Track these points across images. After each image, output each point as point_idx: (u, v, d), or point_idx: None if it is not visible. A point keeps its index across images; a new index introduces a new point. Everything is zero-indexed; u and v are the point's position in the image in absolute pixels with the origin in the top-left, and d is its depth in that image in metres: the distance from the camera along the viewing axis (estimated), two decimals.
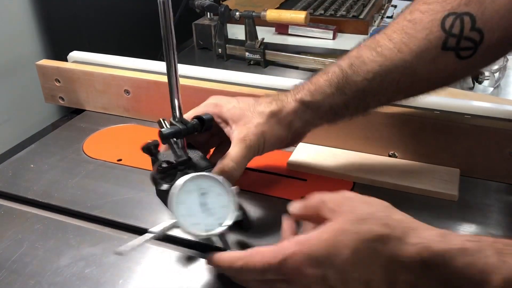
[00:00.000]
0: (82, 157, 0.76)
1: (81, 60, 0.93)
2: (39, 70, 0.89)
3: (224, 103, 0.61)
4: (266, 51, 1.10)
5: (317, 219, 0.46)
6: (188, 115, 0.59)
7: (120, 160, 0.74)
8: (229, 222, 0.50)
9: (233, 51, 1.14)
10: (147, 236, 0.49)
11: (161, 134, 0.55)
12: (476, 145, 0.66)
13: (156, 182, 0.53)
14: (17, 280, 0.53)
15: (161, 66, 0.88)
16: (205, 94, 0.78)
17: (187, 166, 0.54)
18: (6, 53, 0.97)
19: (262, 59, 1.10)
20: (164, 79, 0.81)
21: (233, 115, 0.59)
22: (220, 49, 1.15)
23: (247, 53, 1.11)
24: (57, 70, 0.88)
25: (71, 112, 0.90)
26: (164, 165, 0.53)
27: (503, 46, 0.54)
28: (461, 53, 0.53)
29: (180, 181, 0.50)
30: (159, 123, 0.57)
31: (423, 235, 0.41)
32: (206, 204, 0.50)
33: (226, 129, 0.60)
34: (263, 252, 0.45)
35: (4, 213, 0.64)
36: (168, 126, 0.56)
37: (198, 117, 0.57)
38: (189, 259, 0.56)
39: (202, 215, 0.49)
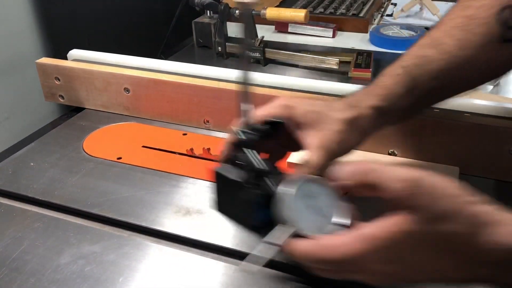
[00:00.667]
0: (82, 155, 0.76)
1: (81, 58, 0.93)
2: (39, 68, 0.89)
3: (297, 105, 0.57)
4: (266, 49, 1.10)
5: (370, 192, 0.44)
6: (258, 116, 0.57)
7: (120, 158, 0.74)
8: (345, 220, 0.47)
9: (233, 49, 1.14)
10: (271, 248, 0.46)
11: (241, 143, 0.53)
12: (475, 143, 0.66)
13: (249, 190, 0.50)
14: (17, 278, 0.53)
15: (161, 64, 0.89)
16: (205, 92, 0.79)
17: (267, 173, 0.52)
18: (6, 51, 0.97)
19: (262, 57, 1.10)
20: (164, 77, 0.82)
21: (308, 119, 0.56)
22: (220, 47, 1.15)
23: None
24: (57, 68, 0.88)
25: (71, 110, 0.90)
26: (253, 173, 0.51)
27: None
28: None
29: (290, 186, 0.48)
30: (232, 132, 0.54)
31: (503, 232, 0.40)
32: (315, 206, 0.48)
33: (297, 133, 0.57)
34: (333, 248, 0.43)
35: (4, 211, 0.64)
36: (241, 133, 0.54)
37: (270, 122, 0.55)
38: (189, 257, 0.56)
39: (315, 217, 0.47)
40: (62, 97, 0.90)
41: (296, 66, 1.10)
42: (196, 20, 1.21)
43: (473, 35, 0.55)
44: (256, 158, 0.53)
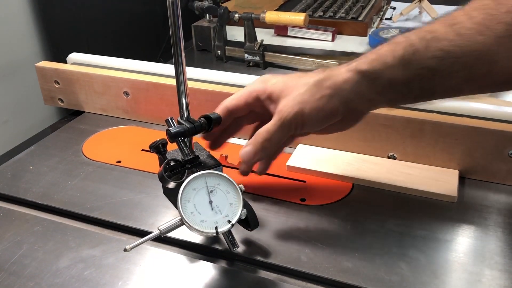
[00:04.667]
0: (81, 159, 0.76)
1: (80, 61, 0.93)
2: (39, 71, 0.89)
3: (270, 78, 0.59)
4: (265, 52, 1.10)
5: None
6: (235, 97, 0.60)
7: (119, 161, 0.74)
8: (236, 219, 0.50)
9: (232, 52, 1.14)
10: (154, 233, 0.49)
11: (169, 133, 0.55)
12: (475, 146, 0.66)
13: (163, 180, 0.53)
14: (16, 282, 0.53)
15: (160, 67, 0.89)
16: (204, 95, 0.79)
17: (194, 164, 0.55)
18: (5, 55, 0.97)
19: (261, 60, 1.10)
20: (163, 80, 0.82)
21: (275, 89, 0.56)
22: (219, 51, 1.15)
23: (246, 55, 1.11)
24: (56, 71, 0.88)
25: (70, 114, 0.90)
26: (172, 163, 0.54)
27: None
28: None
29: (188, 178, 0.50)
30: (167, 122, 0.57)
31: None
32: (213, 202, 0.50)
33: (271, 107, 0.57)
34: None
35: (3, 215, 0.64)
36: (176, 125, 0.57)
37: (206, 116, 0.57)
38: (188, 261, 0.56)
39: (210, 213, 0.49)
40: (62, 101, 0.90)
41: (296, 69, 1.10)
42: (195, 23, 1.21)
43: (496, 23, 0.46)
44: (185, 148, 0.55)
